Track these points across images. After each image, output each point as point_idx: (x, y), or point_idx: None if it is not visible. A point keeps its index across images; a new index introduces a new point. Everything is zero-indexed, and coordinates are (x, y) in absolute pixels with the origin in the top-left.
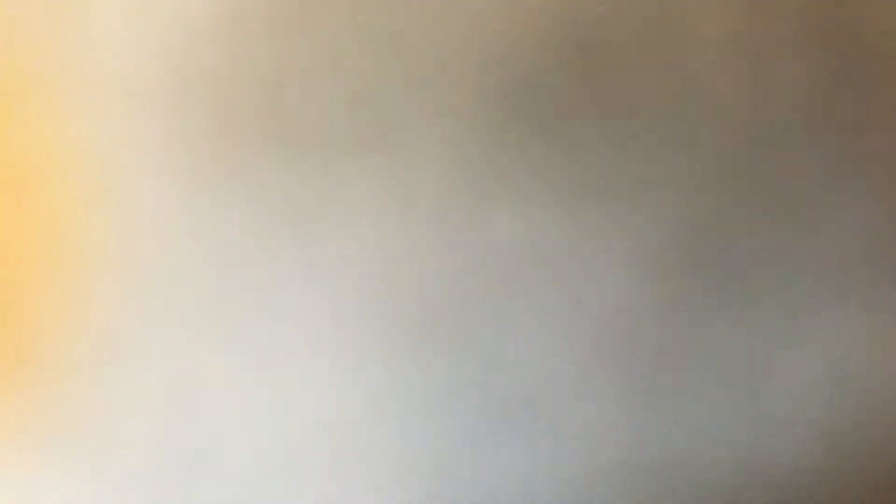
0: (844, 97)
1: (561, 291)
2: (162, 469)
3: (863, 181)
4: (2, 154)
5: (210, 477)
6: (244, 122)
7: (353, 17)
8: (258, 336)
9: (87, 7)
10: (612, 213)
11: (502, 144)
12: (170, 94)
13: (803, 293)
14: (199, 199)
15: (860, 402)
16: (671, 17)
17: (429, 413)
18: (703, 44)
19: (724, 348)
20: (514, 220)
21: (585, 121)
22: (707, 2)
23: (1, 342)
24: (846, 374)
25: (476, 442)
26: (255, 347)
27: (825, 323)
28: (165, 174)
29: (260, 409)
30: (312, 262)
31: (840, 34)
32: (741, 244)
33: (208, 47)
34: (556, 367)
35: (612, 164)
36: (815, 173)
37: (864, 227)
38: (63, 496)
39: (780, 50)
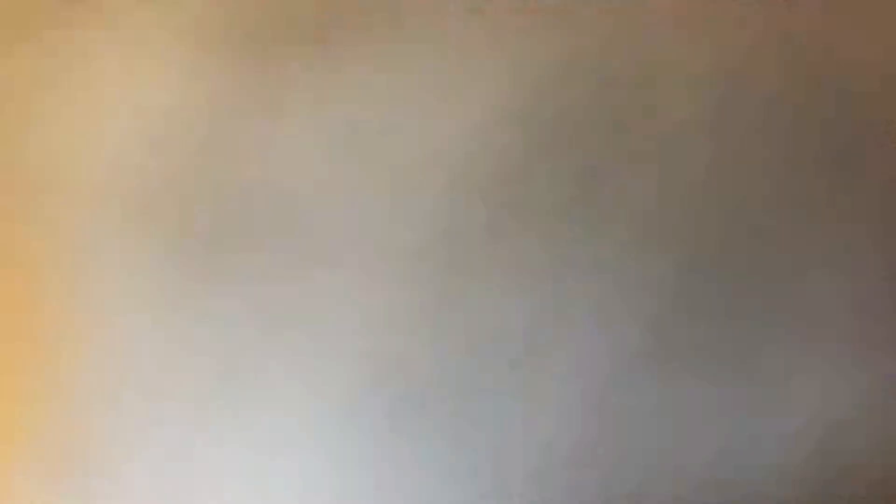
0: (831, 153)
1: (554, 365)
2: None
3: (855, 241)
4: (2, 157)
5: None
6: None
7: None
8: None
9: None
10: (594, 303)
11: (485, 233)
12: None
13: (809, 339)
14: (191, 288)
15: (864, 423)
16: (647, 104)
17: (422, 495)
18: (678, 118)
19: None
20: (499, 304)
21: (570, 216)
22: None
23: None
24: (850, 399)
25: None
26: (251, 434)
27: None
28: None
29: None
30: (297, 355)
31: (825, 96)
32: (731, 314)
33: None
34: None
35: (593, 249)
36: (801, 227)
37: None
38: None
39: (755, 127)
